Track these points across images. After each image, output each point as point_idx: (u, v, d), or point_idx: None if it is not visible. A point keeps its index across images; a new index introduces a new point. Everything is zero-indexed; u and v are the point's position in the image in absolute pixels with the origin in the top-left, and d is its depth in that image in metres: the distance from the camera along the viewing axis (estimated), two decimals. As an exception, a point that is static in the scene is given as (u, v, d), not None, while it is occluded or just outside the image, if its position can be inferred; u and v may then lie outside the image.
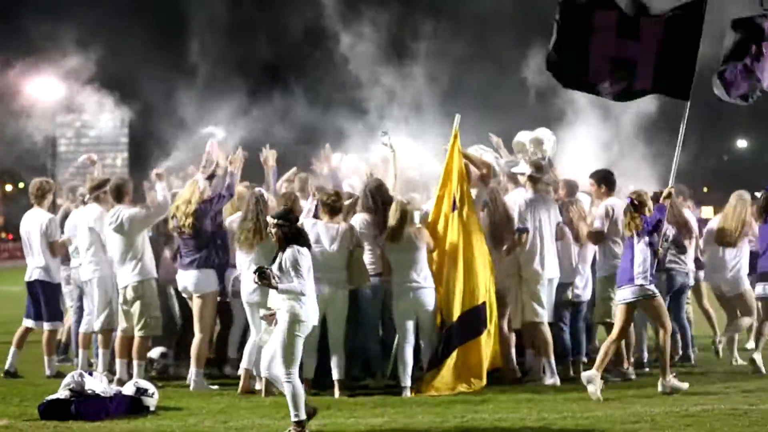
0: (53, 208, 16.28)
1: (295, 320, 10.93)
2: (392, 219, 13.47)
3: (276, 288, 10.91)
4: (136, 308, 14.10)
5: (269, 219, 11.41)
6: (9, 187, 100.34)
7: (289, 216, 11.30)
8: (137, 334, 14.08)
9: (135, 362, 14.07)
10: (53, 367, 15.34)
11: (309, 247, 11.26)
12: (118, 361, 14.31)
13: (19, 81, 23.40)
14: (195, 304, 14.22)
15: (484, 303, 13.63)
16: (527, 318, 14.22)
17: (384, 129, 15.38)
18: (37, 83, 24.56)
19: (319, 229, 13.51)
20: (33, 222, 15.38)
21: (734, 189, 16.05)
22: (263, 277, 10.87)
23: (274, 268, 11.00)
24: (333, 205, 13.60)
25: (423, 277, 13.51)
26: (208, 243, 14.12)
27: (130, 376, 13.78)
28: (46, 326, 15.36)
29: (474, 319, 13.59)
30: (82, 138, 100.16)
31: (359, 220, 13.98)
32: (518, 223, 14.13)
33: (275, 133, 19.53)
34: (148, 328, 14.14)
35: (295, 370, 10.93)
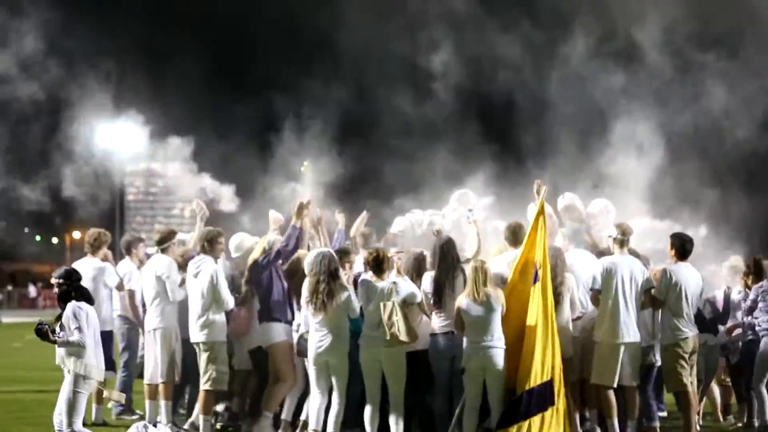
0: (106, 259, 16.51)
1: (77, 376, 11.67)
2: (470, 279, 13.51)
3: (54, 342, 11.55)
4: (202, 362, 14.23)
5: (53, 279, 12.11)
6: (77, 234, 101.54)
7: (70, 275, 11.97)
8: (202, 387, 14.16)
9: (201, 417, 14.14)
10: (100, 415, 15.65)
11: (91, 303, 11.92)
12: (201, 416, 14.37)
13: (91, 129, 23.69)
14: (269, 358, 14.35)
15: (551, 379, 13.61)
16: (594, 380, 14.18)
17: (470, 207, 15.45)
18: (109, 131, 24.88)
19: (366, 287, 13.62)
20: (84, 270, 15.59)
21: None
22: (40, 334, 11.49)
23: (57, 325, 11.64)
24: (375, 263, 13.66)
25: (496, 337, 13.49)
26: (268, 296, 14.30)
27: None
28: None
29: (543, 393, 13.54)
30: (151, 187, 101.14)
31: (428, 278, 14.03)
32: (593, 284, 14.17)
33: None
34: (213, 383, 14.21)
35: (78, 422, 11.70)
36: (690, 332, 14.30)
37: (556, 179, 17.69)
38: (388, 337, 13.28)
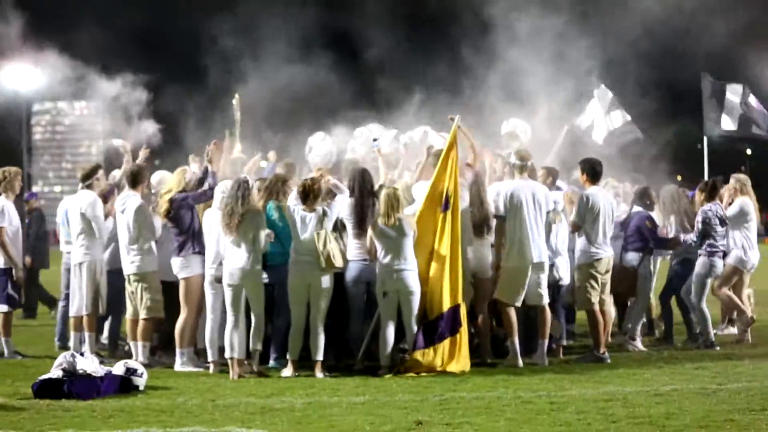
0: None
1: None
2: (383, 205, 13.94)
3: None
4: (138, 291, 14.62)
5: None
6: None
7: None
8: (141, 315, 14.58)
9: (139, 343, 14.56)
10: (9, 348, 15.82)
11: None
12: (131, 343, 14.79)
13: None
14: (180, 288, 14.65)
15: (459, 305, 14.15)
16: (497, 296, 14.63)
17: (375, 137, 15.96)
18: (12, 68, 24.64)
19: (296, 215, 13.98)
20: None
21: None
22: None
23: None
24: (305, 192, 14.03)
25: (409, 260, 13.98)
26: (187, 231, 14.57)
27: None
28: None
29: (455, 316, 14.11)
30: (57, 126, 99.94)
31: (344, 205, 14.44)
32: (496, 211, 14.60)
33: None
34: (149, 311, 14.60)
35: None
36: (604, 253, 14.96)
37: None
38: (323, 264, 13.72)
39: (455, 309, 14.11)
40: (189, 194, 14.60)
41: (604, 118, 19.41)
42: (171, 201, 14.56)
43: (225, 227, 13.89)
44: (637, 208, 16.22)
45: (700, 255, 16.13)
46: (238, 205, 13.81)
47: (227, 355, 13.96)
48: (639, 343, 16.02)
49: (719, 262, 16.19)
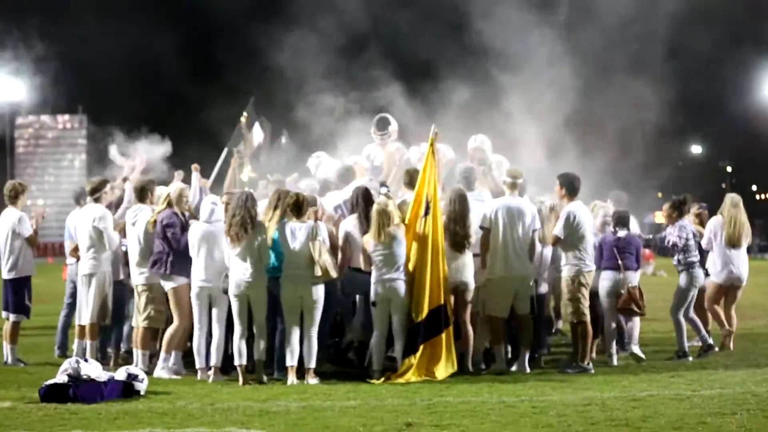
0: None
1: None
2: (375, 222, 14.57)
3: None
4: (141, 302, 15.19)
5: None
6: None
7: None
8: (140, 324, 15.14)
9: (138, 351, 15.13)
10: (13, 355, 16.33)
11: None
12: (134, 351, 15.30)
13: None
14: (170, 298, 15.13)
15: (444, 304, 14.74)
16: (487, 312, 15.31)
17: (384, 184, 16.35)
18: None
19: (288, 228, 14.54)
20: (4, 221, 16.44)
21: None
22: None
23: None
24: (296, 205, 14.60)
25: (400, 270, 14.63)
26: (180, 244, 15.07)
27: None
28: (12, 317, 16.45)
29: (437, 318, 14.70)
30: (41, 139, 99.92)
31: (350, 222, 15.18)
32: (482, 223, 15.23)
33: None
34: (151, 321, 15.19)
35: None
36: (593, 266, 15.53)
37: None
38: (319, 273, 14.29)
39: (438, 309, 14.66)
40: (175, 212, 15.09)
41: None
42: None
43: (233, 237, 14.35)
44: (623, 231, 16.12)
45: (680, 271, 16.68)
46: (248, 216, 14.36)
47: (236, 362, 14.44)
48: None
49: (700, 273, 16.77)
